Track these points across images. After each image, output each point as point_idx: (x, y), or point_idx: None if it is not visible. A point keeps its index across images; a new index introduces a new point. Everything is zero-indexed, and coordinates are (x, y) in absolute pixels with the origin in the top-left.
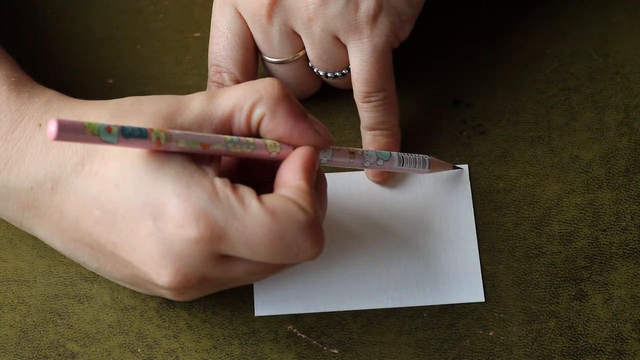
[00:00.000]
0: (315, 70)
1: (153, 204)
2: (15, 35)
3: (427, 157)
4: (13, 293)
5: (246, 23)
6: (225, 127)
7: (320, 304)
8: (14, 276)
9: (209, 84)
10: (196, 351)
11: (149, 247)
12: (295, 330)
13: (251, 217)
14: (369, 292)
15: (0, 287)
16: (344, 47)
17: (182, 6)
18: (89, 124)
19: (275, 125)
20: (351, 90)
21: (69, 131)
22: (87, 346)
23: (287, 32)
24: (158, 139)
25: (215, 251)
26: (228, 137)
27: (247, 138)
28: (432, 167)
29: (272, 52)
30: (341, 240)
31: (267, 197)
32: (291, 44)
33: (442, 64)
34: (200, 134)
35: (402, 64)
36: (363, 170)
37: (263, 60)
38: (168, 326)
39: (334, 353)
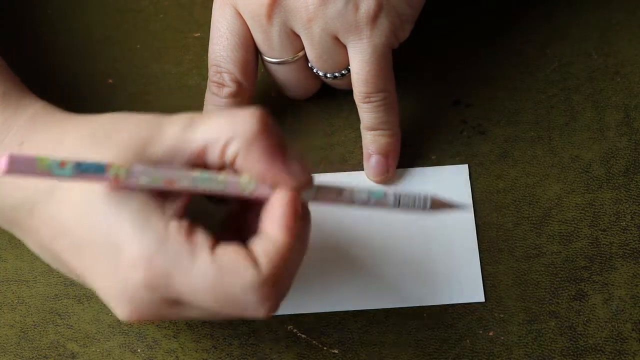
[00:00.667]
0: (315, 70)
1: (111, 242)
2: (15, 35)
3: (428, 196)
4: (13, 293)
5: (246, 23)
6: (199, 159)
7: (318, 304)
8: (14, 276)
9: (209, 84)
10: (196, 351)
11: (107, 283)
12: (295, 330)
13: (197, 268)
14: (367, 292)
15: (0, 287)
16: (344, 47)
17: (182, 6)
18: (41, 159)
19: (248, 164)
20: (351, 90)
21: (20, 166)
22: (87, 346)
23: (286, 32)
24: (117, 175)
25: (164, 296)
26: (197, 173)
27: (219, 175)
28: (434, 207)
29: (272, 52)
30: (341, 240)
31: (222, 249)
32: (291, 44)
33: (442, 64)
34: (166, 169)
35: (402, 64)
36: (363, 170)
37: (263, 60)
38: (168, 326)
39: (334, 353)
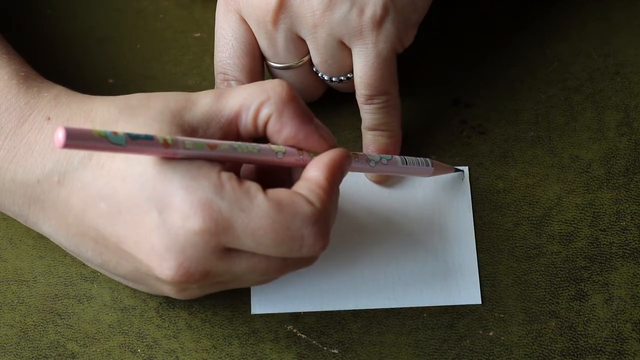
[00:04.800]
0: (319, 74)
1: (159, 197)
2: (16, 35)
3: (429, 159)
4: (13, 293)
5: (251, 30)
6: (233, 125)
7: (317, 303)
8: (14, 276)
9: None
10: (196, 351)
11: (153, 240)
12: (295, 330)
13: (256, 208)
14: (366, 292)
15: (0, 287)
16: (349, 51)
17: (182, 6)
18: (95, 130)
19: (281, 125)
20: (352, 92)
21: (77, 137)
22: (87, 346)
23: (292, 37)
24: (165, 140)
25: (220, 244)
26: (235, 142)
27: (254, 144)
28: (435, 169)
29: (277, 57)
30: (340, 240)
31: (273, 191)
32: (296, 50)
33: (442, 64)
34: (206, 140)
35: (402, 63)
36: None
37: (268, 66)
38: (168, 326)
39: (334, 353)
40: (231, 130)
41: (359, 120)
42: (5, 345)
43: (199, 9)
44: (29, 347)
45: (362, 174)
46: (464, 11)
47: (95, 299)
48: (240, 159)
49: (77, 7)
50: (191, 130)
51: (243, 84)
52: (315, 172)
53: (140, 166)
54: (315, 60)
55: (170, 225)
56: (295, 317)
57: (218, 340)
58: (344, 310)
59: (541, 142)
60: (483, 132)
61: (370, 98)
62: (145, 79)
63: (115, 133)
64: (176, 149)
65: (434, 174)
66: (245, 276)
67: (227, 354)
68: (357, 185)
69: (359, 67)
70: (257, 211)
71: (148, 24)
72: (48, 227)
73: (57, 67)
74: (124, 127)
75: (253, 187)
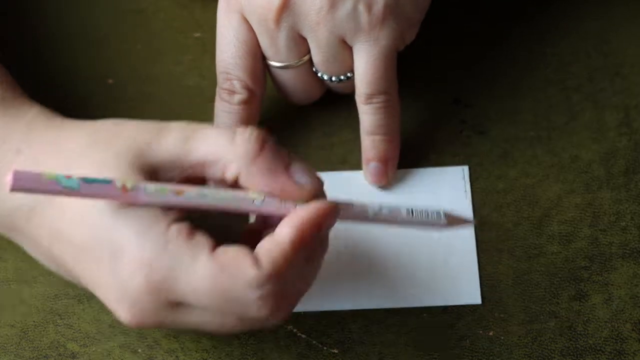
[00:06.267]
0: (319, 74)
1: (111, 248)
2: (15, 35)
3: (442, 211)
4: (13, 293)
5: (252, 29)
6: (198, 172)
7: (317, 303)
8: (14, 276)
9: (219, 91)
10: (196, 351)
11: (107, 287)
12: (295, 330)
13: (198, 268)
14: (366, 292)
15: (0, 287)
16: (350, 50)
17: (182, 6)
18: (47, 173)
19: (252, 182)
20: (352, 93)
21: (26, 182)
22: (87, 346)
23: (293, 36)
24: (124, 185)
25: (167, 299)
26: (204, 188)
27: (227, 190)
28: (448, 222)
29: (278, 56)
30: (340, 240)
31: (222, 249)
32: (297, 48)
33: (442, 64)
34: (172, 184)
35: (402, 63)
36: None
37: (268, 65)
38: None
39: (334, 353)
40: (196, 177)
41: (358, 121)
42: (5, 345)
43: (199, 8)
44: (29, 347)
45: (361, 175)
46: (463, 11)
47: (95, 299)
48: (209, 207)
49: (77, 7)
50: (152, 172)
51: (246, 83)
52: (284, 229)
53: (95, 214)
54: (316, 59)
55: (120, 278)
56: (295, 317)
57: (218, 340)
58: (344, 310)
59: (541, 142)
60: (483, 132)
61: (370, 97)
62: (145, 79)
63: (68, 177)
64: (136, 195)
65: (446, 227)
66: (202, 326)
67: (227, 354)
68: (357, 185)
69: (359, 64)
70: (198, 272)
71: (148, 24)
72: (26, 249)
73: (57, 67)
74: (88, 165)
75: (201, 243)
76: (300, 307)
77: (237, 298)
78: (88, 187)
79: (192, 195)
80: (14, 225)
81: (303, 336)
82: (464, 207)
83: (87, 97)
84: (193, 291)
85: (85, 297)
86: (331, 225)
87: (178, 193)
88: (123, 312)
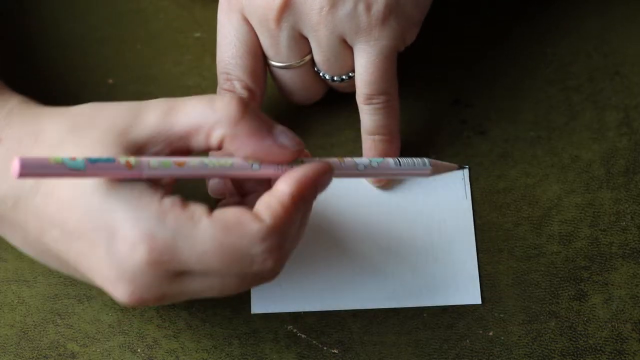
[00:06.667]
0: (321, 74)
1: (105, 227)
2: (15, 35)
3: (427, 159)
4: (13, 293)
5: (253, 30)
6: (183, 142)
7: (317, 303)
8: (14, 276)
9: (220, 91)
10: (196, 351)
11: (104, 268)
12: (295, 330)
13: (201, 232)
14: (366, 292)
15: (0, 287)
16: (351, 49)
17: (182, 6)
18: (53, 158)
19: (237, 146)
20: (352, 92)
21: (32, 167)
22: (87, 346)
23: (294, 36)
24: (128, 162)
25: (169, 270)
26: (205, 158)
27: (226, 158)
28: (434, 168)
29: (279, 56)
30: (339, 240)
31: (219, 212)
32: (298, 48)
33: (442, 64)
34: (173, 158)
35: (402, 63)
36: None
37: (269, 65)
38: (168, 326)
39: (334, 353)
40: (181, 147)
41: (359, 120)
42: (5, 345)
43: (199, 8)
44: (29, 347)
45: None
46: (463, 11)
47: (95, 299)
48: (212, 175)
49: (77, 7)
50: (137, 149)
51: (246, 83)
52: (282, 186)
53: (85, 196)
54: (317, 59)
55: (117, 257)
56: (295, 317)
57: (218, 340)
58: (344, 310)
59: (541, 142)
60: (483, 132)
61: (370, 97)
62: (145, 79)
63: (73, 158)
64: (140, 170)
65: (433, 173)
66: (203, 293)
67: (227, 354)
68: (357, 185)
69: (360, 65)
70: (201, 235)
71: (148, 24)
72: (14, 242)
73: (57, 67)
74: (71, 149)
75: (198, 210)
76: (300, 307)
77: (243, 254)
78: (93, 167)
79: (194, 165)
80: (1, 216)
81: (303, 336)
82: (464, 207)
83: (87, 97)
84: (198, 256)
85: (85, 297)
86: (327, 182)
87: (180, 165)
88: (122, 291)
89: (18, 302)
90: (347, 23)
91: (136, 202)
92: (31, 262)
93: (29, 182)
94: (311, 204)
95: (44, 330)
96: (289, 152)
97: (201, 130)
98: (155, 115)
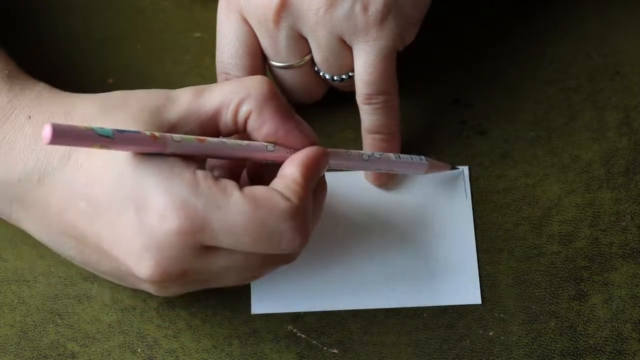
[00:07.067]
0: (321, 73)
1: (135, 197)
2: (15, 35)
3: (424, 156)
4: (13, 293)
5: (252, 30)
6: (212, 122)
7: (318, 303)
8: (14, 276)
9: None
10: (196, 351)
11: (130, 239)
12: (295, 330)
13: (233, 205)
14: (366, 292)
15: (0, 287)
16: (350, 49)
17: (182, 6)
18: (83, 126)
19: (261, 122)
20: (352, 92)
21: (63, 133)
22: (87, 346)
23: (293, 36)
24: (153, 135)
25: (197, 242)
26: (223, 138)
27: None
28: (430, 165)
29: (279, 56)
30: (339, 240)
31: (249, 188)
32: (298, 48)
33: (442, 64)
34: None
35: (402, 63)
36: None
37: (269, 65)
38: (168, 326)
39: (334, 353)
40: (211, 128)
41: (359, 120)
42: (5, 345)
43: (199, 9)
44: (29, 347)
45: (361, 175)
46: (463, 11)
47: (95, 299)
48: (230, 153)
49: (77, 7)
50: (170, 128)
51: None
52: (291, 168)
53: (117, 166)
54: (316, 59)
55: (147, 225)
56: (295, 317)
57: (218, 340)
58: (344, 310)
59: (541, 142)
60: (483, 132)
61: (369, 97)
62: (145, 79)
63: (101, 128)
64: (165, 143)
65: (429, 170)
66: (224, 273)
67: (227, 354)
68: (356, 185)
69: (359, 64)
70: (233, 208)
71: (148, 24)
72: (30, 225)
73: (57, 67)
74: (102, 125)
75: (230, 184)
76: (300, 307)
77: (272, 230)
78: (121, 137)
79: (215, 142)
80: (21, 197)
81: (303, 336)
82: (464, 207)
83: None
84: (228, 228)
85: (85, 297)
86: (326, 165)
87: (202, 141)
88: (146, 263)
89: (18, 302)
90: (344, 23)
91: (169, 172)
92: (31, 262)
93: (57, 156)
94: (313, 185)
95: (44, 330)
96: (306, 139)
97: (230, 105)
98: (187, 97)
